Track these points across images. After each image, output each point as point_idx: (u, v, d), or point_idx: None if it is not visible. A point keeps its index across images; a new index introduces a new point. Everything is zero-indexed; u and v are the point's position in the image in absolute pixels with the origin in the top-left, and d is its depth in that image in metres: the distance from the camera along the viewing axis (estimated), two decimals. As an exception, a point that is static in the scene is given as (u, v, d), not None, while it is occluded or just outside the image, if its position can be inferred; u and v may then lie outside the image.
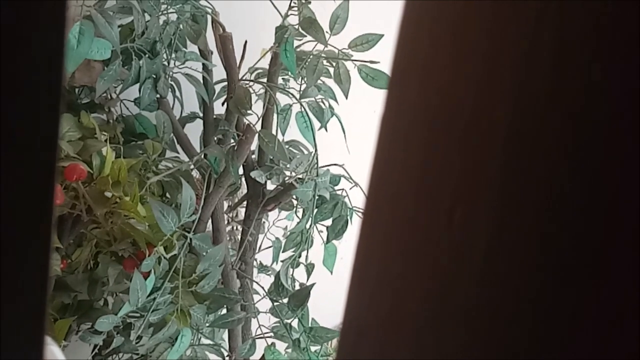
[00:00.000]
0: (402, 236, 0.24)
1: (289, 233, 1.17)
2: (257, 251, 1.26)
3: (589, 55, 0.19)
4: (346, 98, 1.12)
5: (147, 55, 1.04)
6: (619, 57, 0.18)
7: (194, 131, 1.26)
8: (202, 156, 1.08)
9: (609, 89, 0.18)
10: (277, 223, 1.37)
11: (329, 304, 1.31)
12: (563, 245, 0.19)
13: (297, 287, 1.12)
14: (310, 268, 1.12)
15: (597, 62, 0.18)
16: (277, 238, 1.26)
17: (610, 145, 0.18)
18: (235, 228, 1.34)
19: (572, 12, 0.19)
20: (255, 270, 1.29)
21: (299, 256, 1.12)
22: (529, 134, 0.20)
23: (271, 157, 1.15)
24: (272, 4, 1.12)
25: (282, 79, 1.22)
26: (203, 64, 1.15)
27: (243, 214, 1.27)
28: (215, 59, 1.19)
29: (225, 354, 1.19)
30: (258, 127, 1.13)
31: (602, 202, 0.19)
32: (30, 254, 0.25)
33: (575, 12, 0.19)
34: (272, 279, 1.25)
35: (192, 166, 1.09)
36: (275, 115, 1.15)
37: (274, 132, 1.13)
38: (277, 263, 1.24)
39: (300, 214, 1.20)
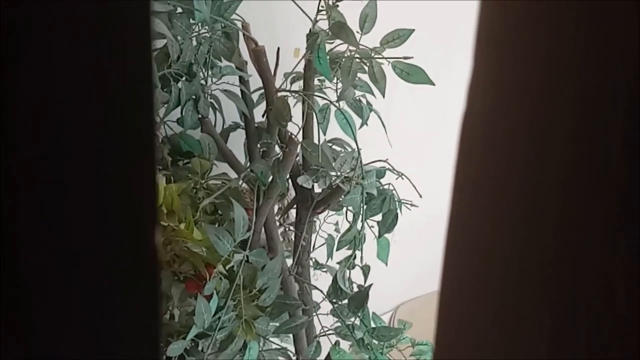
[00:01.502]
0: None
1: (340, 235, 1.19)
2: (311, 252, 1.28)
3: None
4: (383, 97, 1.12)
5: (184, 78, 1.06)
6: None
7: (237, 138, 1.28)
8: (249, 170, 1.10)
9: None
10: (328, 219, 1.39)
11: (380, 291, 1.33)
12: None
13: (355, 288, 1.14)
14: (366, 270, 1.14)
15: None
16: (329, 235, 1.28)
17: None
18: (287, 229, 1.36)
19: None
20: (311, 269, 1.31)
21: (354, 257, 1.14)
22: None
23: (316, 163, 1.17)
24: (300, 8, 1.12)
25: (318, 80, 1.23)
26: (240, 77, 1.17)
27: (294, 215, 1.30)
28: (251, 67, 1.20)
29: (292, 356, 1.22)
30: (300, 135, 1.14)
31: None
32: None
33: None
34: (328, 275, 1.28)
35: (240, 181, 1.11)
36: (315, 118, 1.16)
37: (315, 137, 1.15)
38: (332, 259, 1.27)
39: (349, 214, 1.21)
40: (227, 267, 1.05)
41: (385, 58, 1.11)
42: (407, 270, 1.75)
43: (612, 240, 0.20)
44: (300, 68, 1.19)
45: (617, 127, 0.20)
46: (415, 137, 1.76)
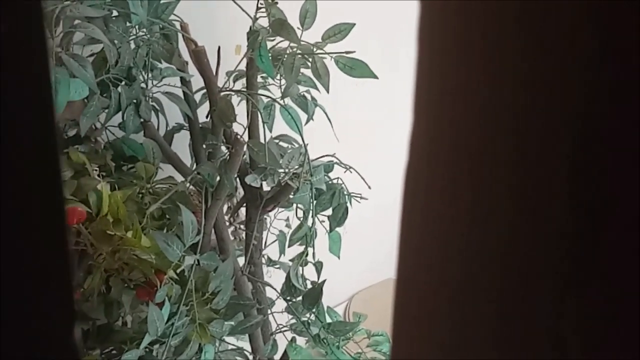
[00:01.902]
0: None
1: (291, 232, 1.18)
2: (263, 249, 1.28)
3: None
4: (327, 92, 1.12)
5: (124, 83, 1.04)
6: None
7: (182, 140, 1.26)
8: (196, 173, 1.09)
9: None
10: (278, 215, 1.38)
11: (334, 283, 1.34)
12: None
13: (309, 285, 1.14)
14: (319, 266, 1.14)
15: None
16: (280, 231, 1.28)
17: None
18: (238, 228, 1.35)
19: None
20: (264, 267, 1.31)
21: (306, 255, 1.14)
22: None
23: (263, 161, 1.16)
24: (239, 6, 1.11)
25: (262, 77, 1.22)
26: (181, 78, 1.15)
27: (244, 213, 1.29)
28: (192, 66, 1.19)
29: (249, 355, 1.22)
30: (246, 134, 1.14)
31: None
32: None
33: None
34: (281, 272, 1.27)
35: (187, 184, 1.09)
36: (260, 117, 1.15)
37: (261, 135, 1.14)
38: (284, 255, 1.27)
39: (299, 211, 1.21)
40: (177, 271, 1.04)
41: (328, 53, 1.11)
42: (359, 260, 1.76)
43: (561, 298, 0.20)
44: (243, 66, 1.18)
45: (560, 185, 0.20)
46: (361, 130, 1.76)
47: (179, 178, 1.14)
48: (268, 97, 1.14)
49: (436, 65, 0.23)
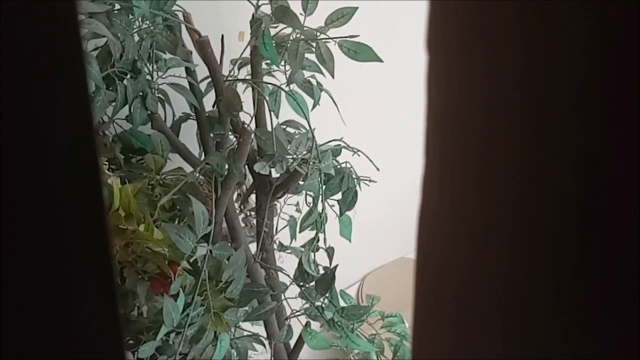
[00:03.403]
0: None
1: (302, 217, 1.19)
2: (275, 235, 1.28)
3: None
4: (332, 77, 1.12)
5: (129, 76, 1.04)
6: None
7: (190, 129, 1.26)
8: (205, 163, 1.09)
9: None
10: (288, 201, 1.39)
11: (346, 263, 1.34)
12: None
13: (321, 270, 1.15)
14: (330, 252, 1.15)
15: None
16: (291, 216, 1.29)
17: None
18: (248, 215, 1.36)
19: None
20: (275, 252, 1.31)
21: (317, 240, 1.14)
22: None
23: (271, 148, 1.16)
24: (242, -7, 1.10)
25: (266, 63, 1.22)
26: (186, 68, 1.15)
27: (254, 200, 1.29)
28: (196, 55, 1.19)
29: (265, 340, 1.23)
30: (253, 122, 1.14)
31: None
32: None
33: None
34: (294, 256, 1.28)
35: (197, 174, 1.10)
36: (266, 104, 1.15)
37: (268, 124, 1.14)
38: (295, 240, 1.27)
39: (309, 197, 1.21)
40: (190, 261, 1.05)
41: (331, 38, 1.11)
42: (370, 241, 1.76)
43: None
44: (247, 53, 1.18)
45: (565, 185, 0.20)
46: (367, 113, 1.76)
47: (188, 168, 1.15)
48: (273, 84, 1.14)
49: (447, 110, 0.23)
